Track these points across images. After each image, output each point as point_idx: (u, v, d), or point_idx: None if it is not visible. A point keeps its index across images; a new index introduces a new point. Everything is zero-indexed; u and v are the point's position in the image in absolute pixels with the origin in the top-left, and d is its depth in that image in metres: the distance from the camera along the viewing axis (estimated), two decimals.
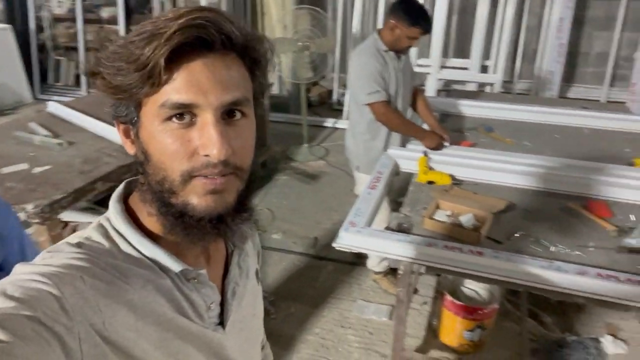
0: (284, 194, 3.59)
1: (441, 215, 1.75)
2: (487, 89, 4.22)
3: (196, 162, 0.52)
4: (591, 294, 1.38)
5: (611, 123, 2.60)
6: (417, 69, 2.67)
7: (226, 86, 0.53)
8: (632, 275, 1.38)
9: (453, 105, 2.82)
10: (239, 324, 0.69)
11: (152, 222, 0.58)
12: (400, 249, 1.55)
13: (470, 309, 2.00)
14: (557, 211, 1.81)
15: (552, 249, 1.59)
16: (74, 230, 1.61)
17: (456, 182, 2.01)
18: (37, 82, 5.67)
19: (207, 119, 0.52)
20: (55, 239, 1.88)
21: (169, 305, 0.57)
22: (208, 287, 0.62)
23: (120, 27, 5.08)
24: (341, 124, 4.67)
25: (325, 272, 2.72)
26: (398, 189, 2.40)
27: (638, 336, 2.16)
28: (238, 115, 0.55)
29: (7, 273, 0.50)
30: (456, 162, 2.10)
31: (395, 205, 2.49)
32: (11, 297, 0.45)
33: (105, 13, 5.40)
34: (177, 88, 0.51)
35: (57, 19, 5.64)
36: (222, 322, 0.65)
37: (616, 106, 3.87)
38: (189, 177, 0.53)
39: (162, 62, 0.49)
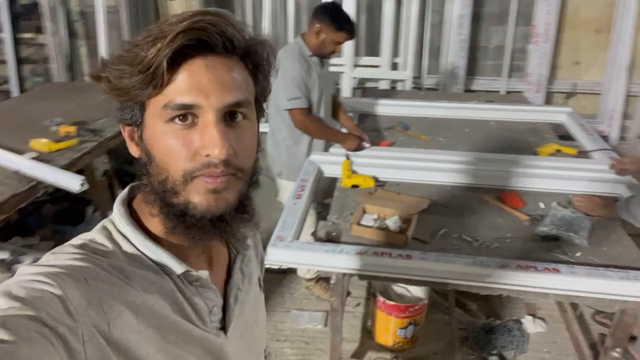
0: None
1: (368, 220, 1.75)
2: (399, 85, 4.34)
3: (198, 162, 0.53)
4: (514, 286, 1.45)
5: (514, 114, 2.77)
6: (331, 69, 2.66)
7: (227, 88, 0.54)
8: (548, 263, 1.46)
9: (370, 105, 2.86)
10: (241, 329, 0.68)
11: (155, 224, 0.59)
12: (330, 260, 1.52)
13: (402, 307, 2.03)
14: (475, 205, 1.88)
15: (474, 243, 1.65)
16: None
17: (380, 183, 2.02)
18: None
19: (208, 119, 0.53)
20: None
21: (172, 307, 0.57)
22: (210, 290, 0.62)
23: (6, 35, 4.58)
24: (260, 127, 4.57)
25: None
26: (323, 190, 2.38)
27: (555, 313, 2.32)
28: (239, 117, 0.56)
29: None
30: (378, 163, 2.12)
31: (321, 207, 2.47)
32: (15, 298, 0.45)
33: None
34: (180, 89, 0.52)
35: None
36: (224, 328, 0.65)
37: (516, 96, 4.18)
38: (190, 177, 0.54)
39: (164, 63, 0.51)
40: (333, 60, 4.20)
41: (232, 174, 0.55)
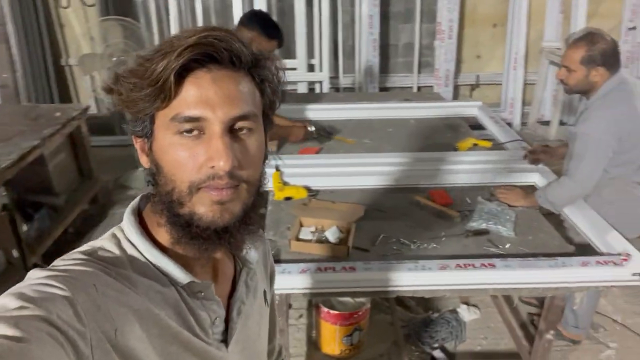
0: None
1: (306, 234, 1.71)
2: (317, 86, 4.35)
3: (203, 174, 0.54)
4: (455, 285, 1.48)
5: (430, 111, 2.87)
6: None
7: (234, 101, 0.55)
8: (484, 259, 1.51)
9: (292, 112, 2.81)
10: (243, 343, 0.69)
11: (162, 234, 0.60)
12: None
13: (346, 315, 2.02)
14: (408, 206, 1.91)
15: (412, 246, 1.67)
16: None
17: (312, 193, 1.99)
18: None
19: (214, 132, 0.54)
20: None
21: (175, 317, 0.58)
22: (213, 302, 0.63)
23: None
24: None
25: None
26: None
27: (487, 299, 2.44)
28: (245, 129, 0.57)
29: None
30: (308, 172, 2.08)
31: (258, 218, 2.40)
32: (27, 299, 0.46)
33: None
34: (187, 102, 0.54)
35: None
36: (225, 340, 0.65)
37: (429, 92, 4.36)
38: (196, 188, 0.55)
39: (172, 77, 0.52)
40: None
41: (237, 186, 0.56)
